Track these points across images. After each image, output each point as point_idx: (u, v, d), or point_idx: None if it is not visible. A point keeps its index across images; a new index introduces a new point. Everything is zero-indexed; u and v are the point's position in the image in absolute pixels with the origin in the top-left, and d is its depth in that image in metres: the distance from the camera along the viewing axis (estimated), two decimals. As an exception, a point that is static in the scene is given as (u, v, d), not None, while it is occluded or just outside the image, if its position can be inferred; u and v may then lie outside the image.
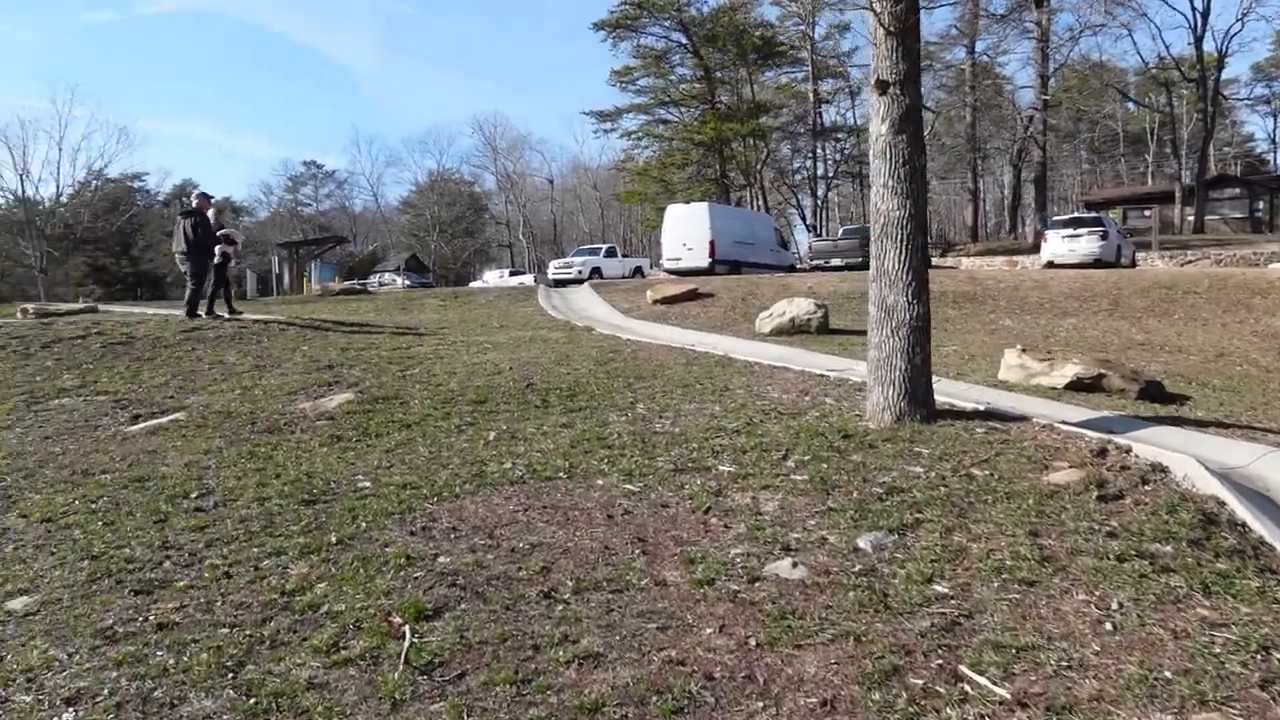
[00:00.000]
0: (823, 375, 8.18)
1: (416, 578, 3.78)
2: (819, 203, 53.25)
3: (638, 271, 34.32)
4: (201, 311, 12.31)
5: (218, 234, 12.66)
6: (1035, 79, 41.01)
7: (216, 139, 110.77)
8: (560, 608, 3.43)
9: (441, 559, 4.01)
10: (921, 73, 5.70)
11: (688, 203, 31.03)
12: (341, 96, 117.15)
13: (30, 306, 15.23)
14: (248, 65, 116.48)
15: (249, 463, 5.78)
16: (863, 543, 3.91)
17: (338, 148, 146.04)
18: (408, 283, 44.41)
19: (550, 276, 31.87)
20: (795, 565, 3.69)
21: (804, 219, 53.99)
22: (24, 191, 49.67)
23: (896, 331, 5.72)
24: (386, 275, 51.46)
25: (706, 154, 46.95)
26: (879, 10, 5.53)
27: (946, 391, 6.54)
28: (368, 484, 5.24)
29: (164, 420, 6.92)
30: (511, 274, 50.67)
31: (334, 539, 4.29)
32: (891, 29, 5.51)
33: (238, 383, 8.25)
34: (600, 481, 5.16)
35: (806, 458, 5.25)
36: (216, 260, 12.65)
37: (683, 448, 5.77)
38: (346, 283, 28.99)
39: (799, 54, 49.74)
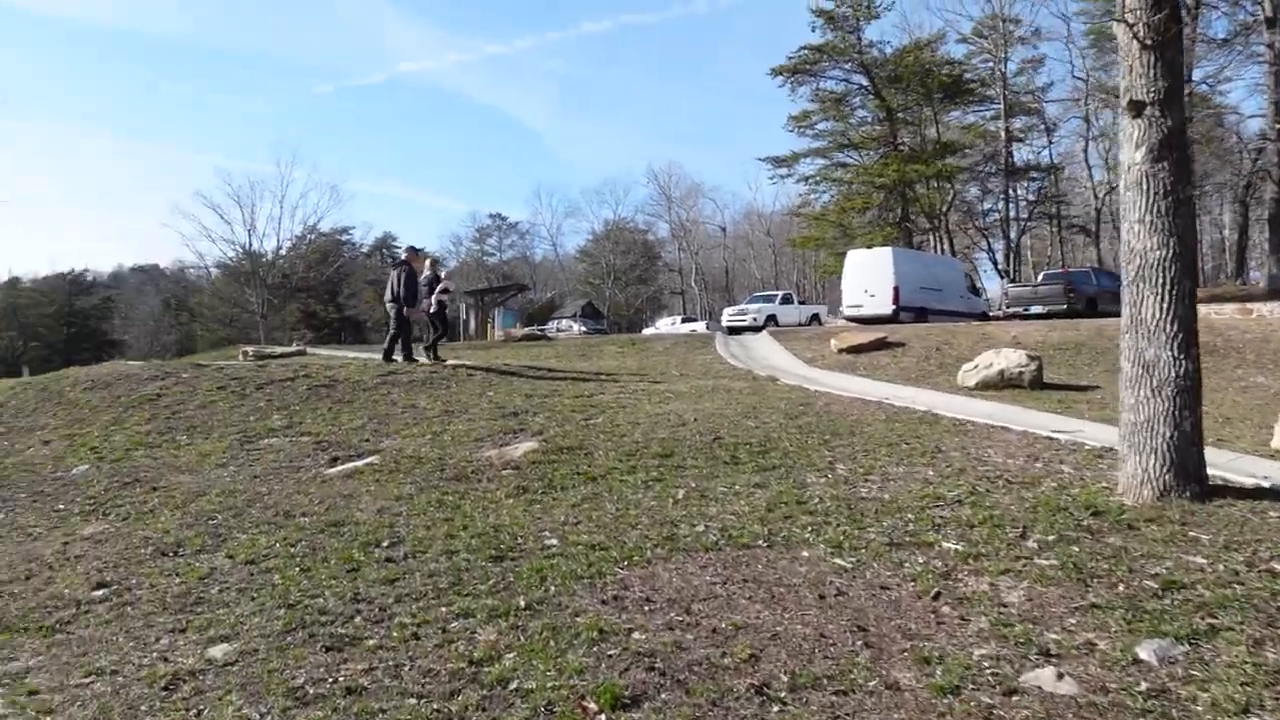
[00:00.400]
0: (1050, 438, 7.31)
1: (610, 655, 3.45)
2: (1011, 246, 50.18)
3: (815, 319, 33.50)
4: (420, 356, 13.03)
5: (438, 285, 13.55)
6: (1266, 107, 36.89)
7: (411, 195, 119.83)
8: (776, 709, 2.98)
9: (636, 635, 3.66)
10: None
11: (869, 247, 29.98)
12: (525, 152, 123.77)
13: (249, 349, 16.61)
14: (441, 127, 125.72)
15: (437, 511, 5.73)
16: (1145, 653, 3.21)
17: (521, 200, 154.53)
18: (583, 329, 45.59)
19: (724, 324, 31.65)
20: (1061, 677, 3.06)
21: (995, 263, 51.01)
22: (251, 245, 55.37)
23: (1158, 391, 4.89)
24: (563, 322, 53.08)
25: (888, 197, 45.44)
26: (1132, 22, 4.85)
27: (1210, 462, 5.56)
28: (554, 542, 5.01)
29: (360, 464, 7.08)
30: (683, 321, 50.97)
31: (522, 603, 4.04)
32: (1148, 42, 4.81)
33: (428, 428, 8.40)
34: (805, 553, 4.67)
35: (1050, 538, 4.54)
36: (433, 309, 13.48)
37: (896, 518, 5.18)
38: (528, 329, 29.97)
39: (987, 91, 47.49)
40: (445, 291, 14.03)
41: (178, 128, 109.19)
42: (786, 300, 34.90)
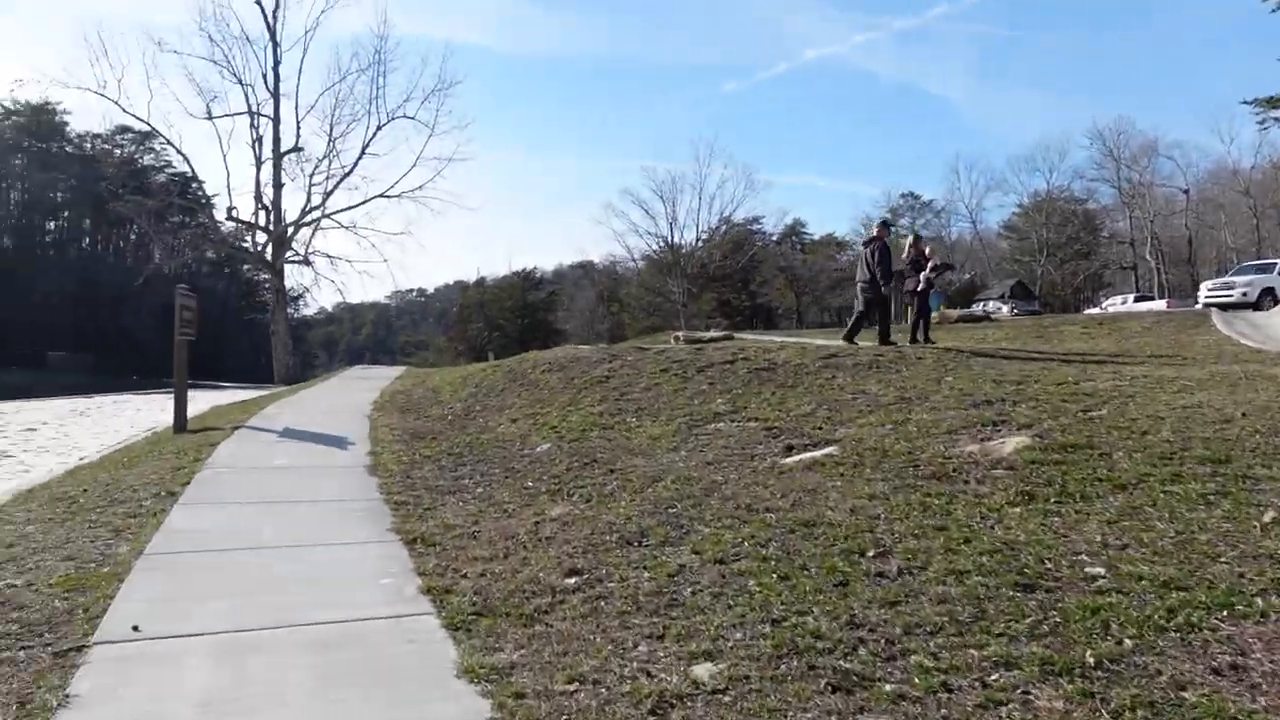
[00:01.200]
0: None
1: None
2: None
3: (1328, 292, 26.60)
4: (896, 339, 12.56)
5: (926, 265, 12.95)
6: None
7: (820, 181, 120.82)
8: None
9: (1305, 739, 2.46)
10: None
11: None
12: (940, 127, 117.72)
13: (679, 334, 17.27)
14: (849, 109, 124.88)
15: (923, 516, 4.87)
16: None
17: (936, 177, 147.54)
18: (1014, 310, 41.90)
19: (1202, 300, 26.45)
20: None
21: None
22: (672, 238, 59.58)
23: None
24: (991, 303, 49.21)
25: None
26: None
27: None
28: (1099, 570, 3.88)
29: (818, 454, 6.49)
30: (1137, 299, 44.45)
31: (1090, 659, 3.04)
32: None
33: (885, 416, 7.58)
34: None
35: None
36: (921, 287, 12.89)
37: None
38: (964, 310, 27.81)
39: None
40: (935, 269, 13.31)
41: (607, 136, 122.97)
42: (1290, 271, 28.15)
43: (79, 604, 4.08)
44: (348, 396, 14.34)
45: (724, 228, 64.19)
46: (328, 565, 4.88)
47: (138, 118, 36.11)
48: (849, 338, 12.53)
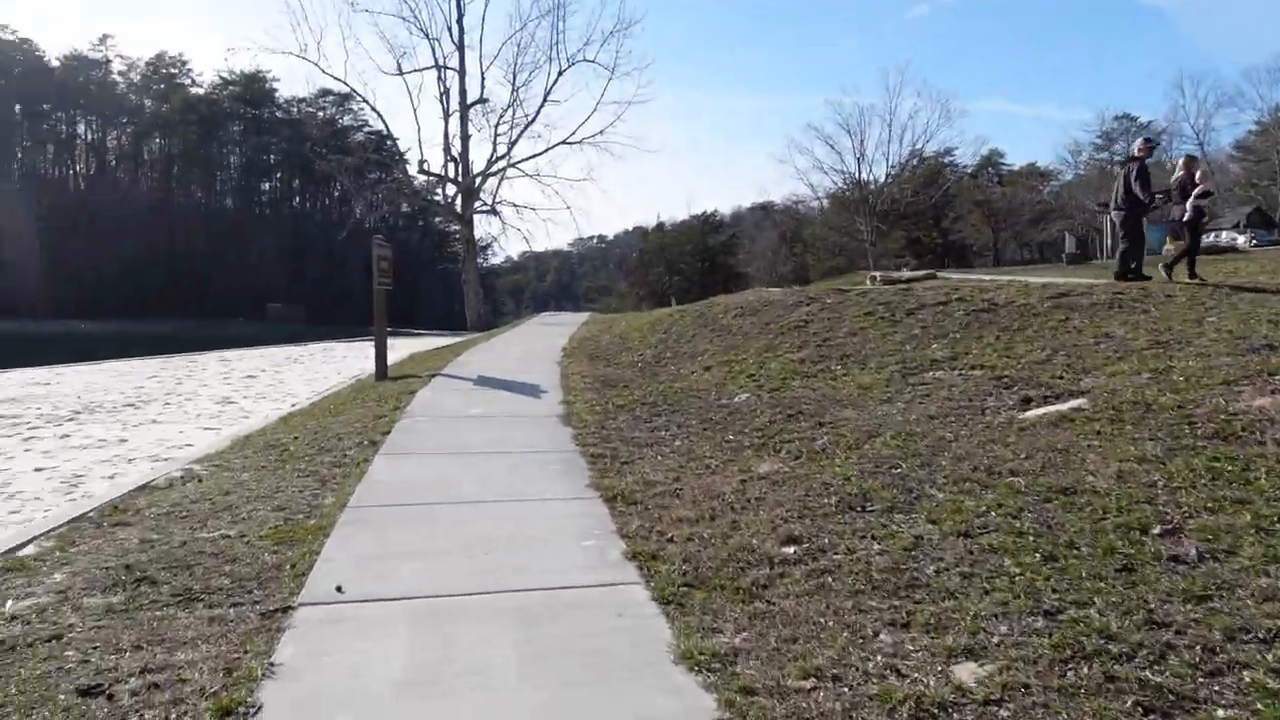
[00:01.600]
0: None
1: None
2: None
3: None
4: (1136, 271, 11.21)
5: (1196, 189, 11.43)
6: None
7: (1018, 109, 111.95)
8: None
9: None
10: None
11: None
12: (1154, 42, 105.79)
13: (876, 274, 16.28)
14: (1051, 28, 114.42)
15: (1215, 486, 4.06)
16: None
17: (1154, 97, 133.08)
18: (1255, 240, 37.32)
19: None
20: None
21: None
22: (859, 173, 57.01)
23: None
24: (1224, 233, 44.02)
25: None
26: None
27: None
28: None
29: (1063, 407, 5.69)
30: None
31: None
32: None
33: (1140, 363, 6.60)
34: None
35: None
36: (1188, 216, 11.41)
37: None
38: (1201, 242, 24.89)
39: None
40: (1204, 195, 11.69)
41: (787, 72, 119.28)
42: None
43: (287, 558, 4.07)
44: (537, 343, 14.49)
45: (915, 161, 60.70)
46: (526, 523, 4.69)
47: (336, 78, 38.34)
48: (1137, 274, 11.09)
